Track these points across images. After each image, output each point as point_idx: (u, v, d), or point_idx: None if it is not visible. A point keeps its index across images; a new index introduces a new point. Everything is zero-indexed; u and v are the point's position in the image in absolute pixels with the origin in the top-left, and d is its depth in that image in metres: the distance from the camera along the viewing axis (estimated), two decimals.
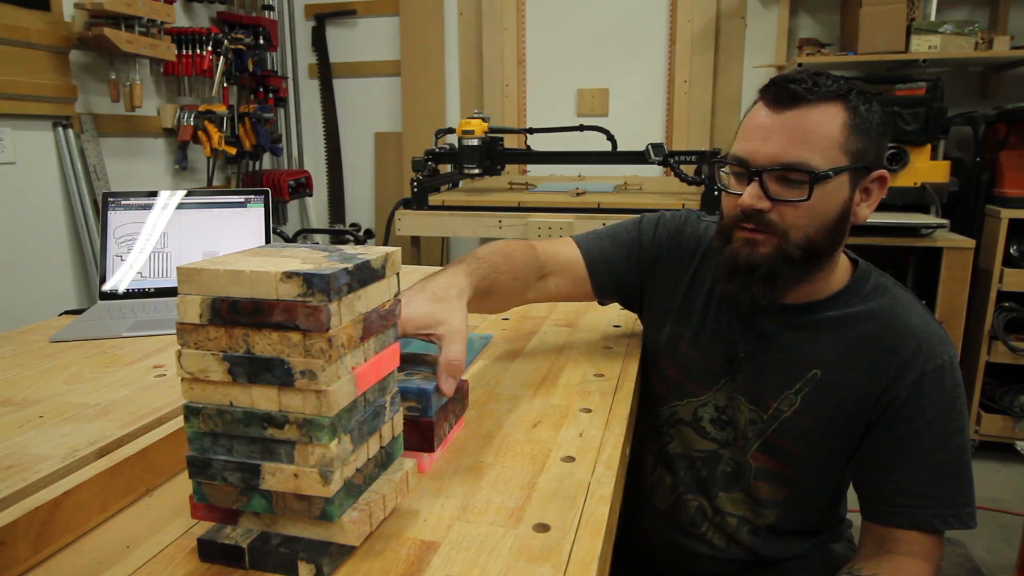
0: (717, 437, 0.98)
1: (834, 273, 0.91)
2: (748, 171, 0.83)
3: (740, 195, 0.84)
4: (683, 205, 2.23)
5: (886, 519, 0.86)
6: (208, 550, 0.53)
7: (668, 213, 1.07)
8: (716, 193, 2.15)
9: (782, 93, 0.82)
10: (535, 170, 3.17)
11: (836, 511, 1.01)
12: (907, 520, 0.84)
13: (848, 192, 0.84)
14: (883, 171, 0.86)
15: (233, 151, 2.65)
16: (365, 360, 0.53)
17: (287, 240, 2.76)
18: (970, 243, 2.25)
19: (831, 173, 0.80)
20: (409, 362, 0.74)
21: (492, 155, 2.53)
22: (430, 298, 0.76)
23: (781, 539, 0.97)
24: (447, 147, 2.56)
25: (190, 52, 2.52)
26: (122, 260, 1.25)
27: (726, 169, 0.88)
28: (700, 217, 1.06)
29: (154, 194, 1.29)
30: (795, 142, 0.80)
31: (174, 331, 0.51)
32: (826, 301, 0.90)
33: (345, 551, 0.53)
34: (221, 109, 2.62)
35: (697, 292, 1.00)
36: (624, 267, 1.04)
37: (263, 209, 1.32)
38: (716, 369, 0.96)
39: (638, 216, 1.09)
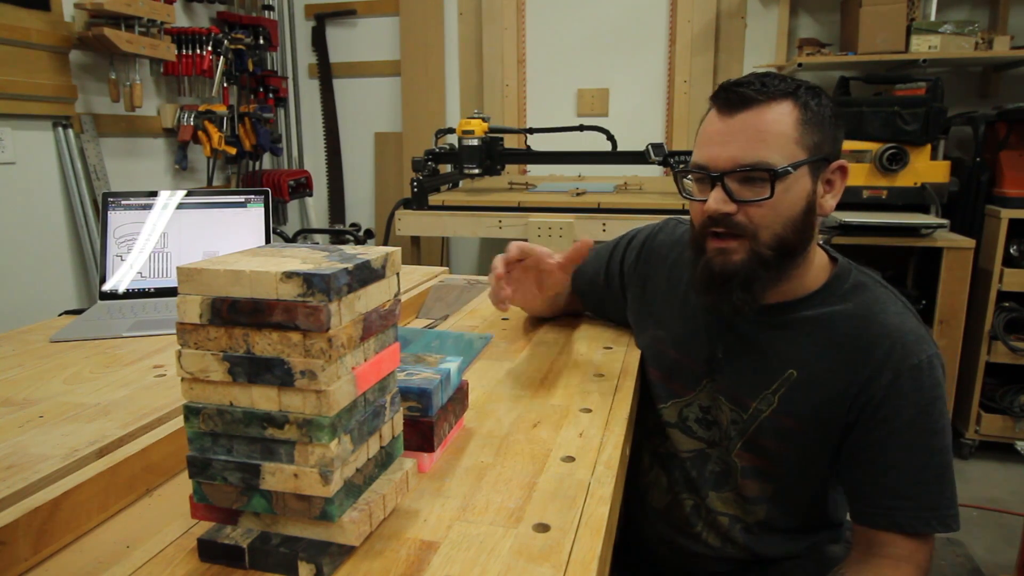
0: (704, 436, 0.98)
1: (811, 271, 0.91)
2: (710, 176, 0.84)
3: (703, 201, 0.86)
4: (683, 206, 2.23)
5: (869, 521, 0.86)
6: (208, 550, 0.53)
7: (647, 226, 1.12)
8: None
9: (732, 97, 0.83)
10: (535, 170, 3.17)
11: (826, 509, 1.00)
12: (889, 522, 0.84)
13: (810, 185, 0.85)
14: (842, 161, 0.88)
15: (233, 151, 2.65)
16: (365, 360, 0.53)
17: (287, 240, 2.76)
18: (970, 243, 2.25)
19: (790, 169, 0.82)
20: (410, 362, 0.74)
21: (492, 155, 2.53)
22: None
23: (774, 536, 0.97)
24: (447, 147, 2.56)
25: (190, 52, 2.52)
26: (122, 260, 1.25)
27: (690, 177, 0.90)
28: (678, 223, 1.08)
29: (154, 194, 1.29)
30: (752, 143, 0.82)
31: (174, 331, 0.51)
32: (803, 300, 0.90)
33: (345, 551, 0.53)
34: (221, 109, 2.62)
35: (673, 294, 1.02)
36: (601, 276, 1.12)
37: (263, 209, 1.32)
38: (697, 370, 0.97)
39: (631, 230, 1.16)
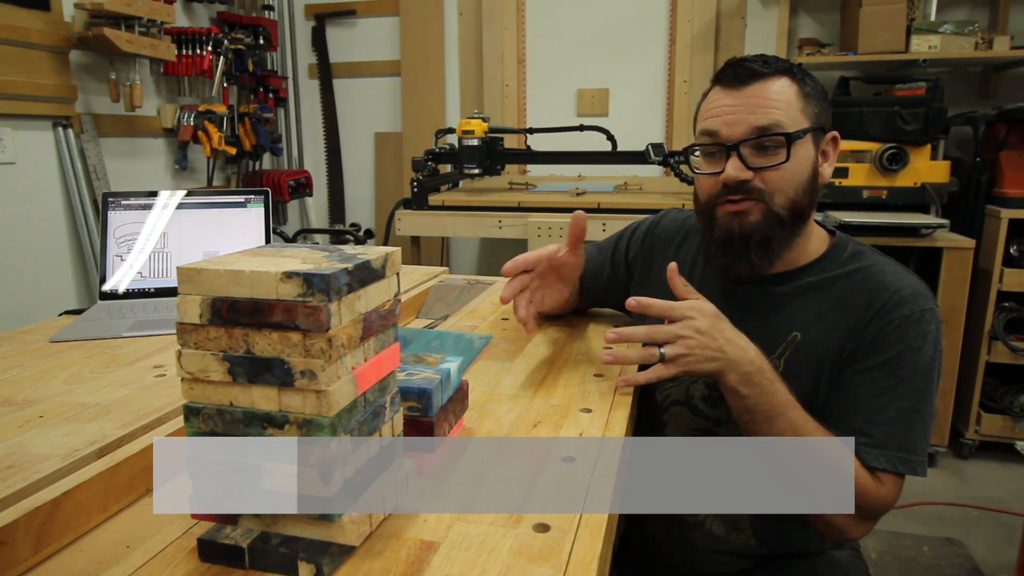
0: (710, 415, 0.99)
1: (811, 241, 0.95)
2: (725, 147, 0.88)
3: (716, 174, 0.89)
4: (683, 205, 2.23)
5: None
6: (208, 550, 0.53)
7: (650, 216, 1.16)
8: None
9: (740, 71, 0.89)
10: (535, 170, 3.17)
11: None
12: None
13: (814, 152, 0.90)
14: (835, 132, 0.94)
15: (233, 151, 2.65)
16: (365, 360, 0.53)
17: (287, 240, 2.76)
18: (970, 243, 2.25)
19: (801, 133, 0.87)
20: (410, 362, 0.74)
21: (492, 155, 2.53)
22: None
23: (781, 526, 0.96)
24: (447, 147, 2.56)
25: (190, 52, 2.52)
26: (122, 260, 1.25)
27: (697, 153, 0.94)
28: (681, 210, 1.13)
29: (154, 194, 1.29)
30: (764, 110, 0.87)
31: (174, 331, 0.51)
32: (804, 268, 0.94)
33: (345, 551, 0.53)
34: (221, 109, 2.62)
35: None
36: (606, 268, 1.15)
37: (263, 209, 1.32)
38: None
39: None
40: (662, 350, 0.82)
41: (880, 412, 0.84)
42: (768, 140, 0.87)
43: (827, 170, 0.93)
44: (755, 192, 0.88)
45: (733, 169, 0.87)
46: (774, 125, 0.86)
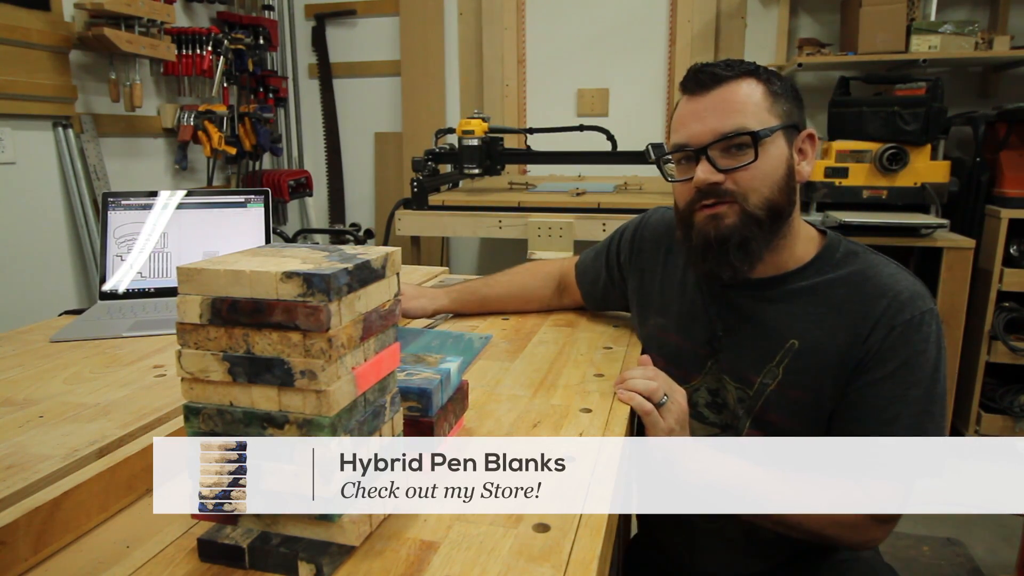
0: (715, 421, 0.99)
1: (800, 244, 0.93)
2: (694, 152, 0.88)
3: (690, 179, 0.89)
4: None
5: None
6: (208, 550, 0.53)
7: (635, 218, 1.15)
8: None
9: (703, 77, 0.88)
10: (535, 170, 3.17)
11: None
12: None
13: (787, 150, 0.89)
14: (811, 130, 0.93)
15: (233, 151, 2.65)
16: (365, 360, 0.53)
17: (287, 240, 2.76)
18: (970, 243, 2.24)
19: (768, 132, 0.86)
20: (410, 362, 0.74)
21: (492, 155, 2.53)
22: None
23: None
24: (447, 147, 2.56)
25: (190, 52, 2.52)
26: (122, 260, 1.25)
27: (672, 162, 0.94)
28: (668, 208, 1.10)
29: (154, 194, 1.29)
30: (729, 113, 0.86)
31: (174, 331, 0.51)
32: (796, 272, 0.93)
33: (345, 551, 0.53)
34: (221, 109, 2.62)
35: (671, 279, 1.04)
36: (602, 273, 1.16)
37: (263, 209, 1.32)
38: (699, 352, 0.98)
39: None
40: (665, 399, 0.86)
41: (893, 422, 0.84)
42: (734, 142, 0.86)
43: (805, 168, 0.91)
44: (728, 195, 0.87)
45: (703, 172, 0.87)
46: (739, 127, 0.85)
